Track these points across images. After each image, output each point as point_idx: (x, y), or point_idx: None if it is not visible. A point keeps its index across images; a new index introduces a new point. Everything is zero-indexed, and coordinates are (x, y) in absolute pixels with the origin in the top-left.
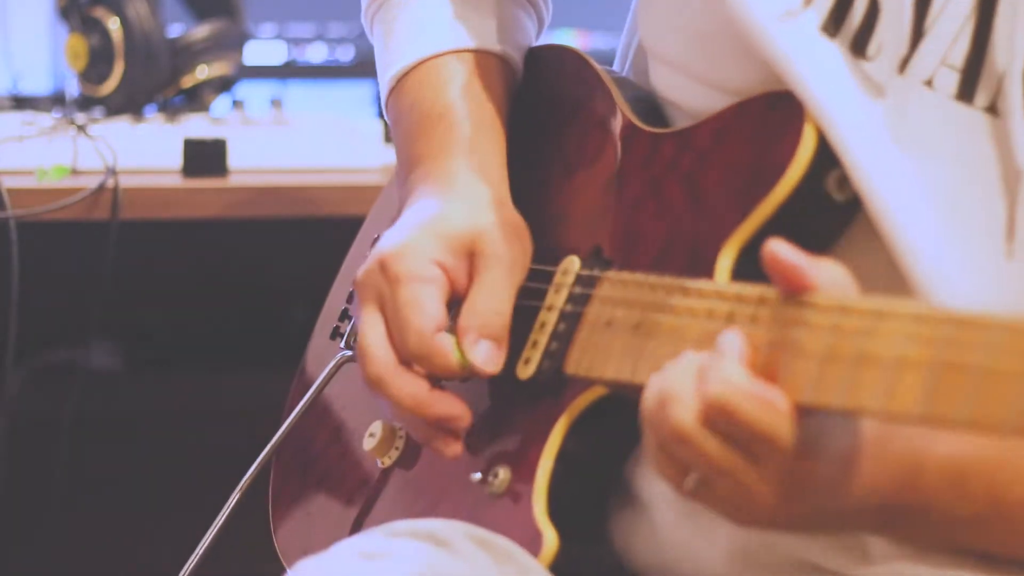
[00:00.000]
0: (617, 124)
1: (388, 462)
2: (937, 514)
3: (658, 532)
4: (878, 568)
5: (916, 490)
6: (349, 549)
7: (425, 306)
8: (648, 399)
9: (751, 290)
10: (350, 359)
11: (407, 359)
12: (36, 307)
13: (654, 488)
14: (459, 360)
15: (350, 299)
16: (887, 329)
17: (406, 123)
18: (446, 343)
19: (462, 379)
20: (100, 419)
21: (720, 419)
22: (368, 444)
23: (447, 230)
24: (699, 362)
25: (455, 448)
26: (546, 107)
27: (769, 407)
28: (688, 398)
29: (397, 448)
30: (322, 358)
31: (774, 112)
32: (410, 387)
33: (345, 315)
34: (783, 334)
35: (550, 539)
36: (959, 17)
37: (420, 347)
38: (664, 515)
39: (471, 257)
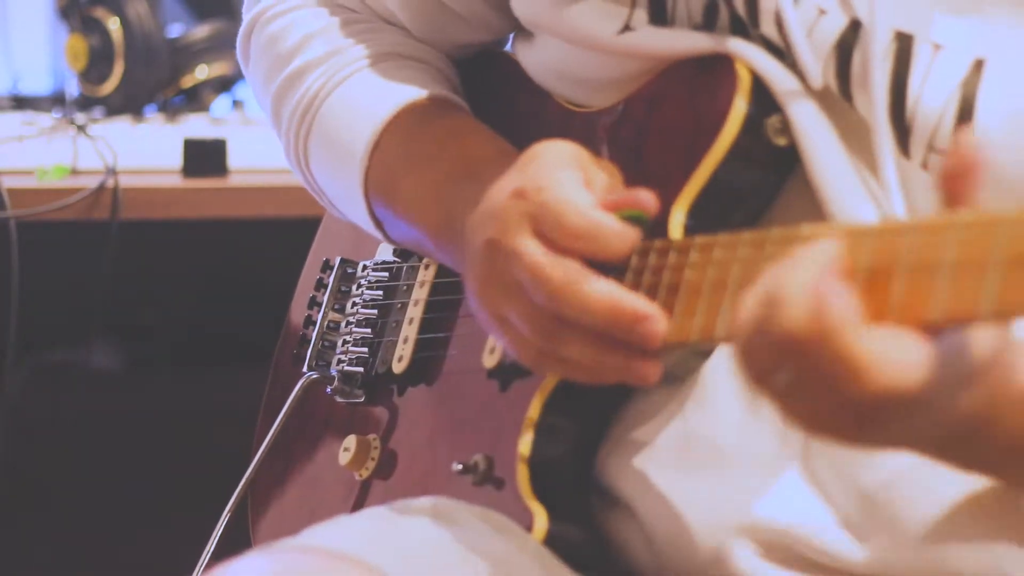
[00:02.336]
0: (550, 110)
1: (366, 473)
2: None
3: (648, 531)
4: (870, 556)
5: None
6: (358, 516)
7: (582, 194)
8: (756, 303)
9: (703, 239)
10: (315, 381)
11: (569, 244)
12: (36, 307)
13: (634, 486)
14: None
15: (307, 323)
16: (848, 248)
17: (406, 164)
18: (611, 218)
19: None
20: (100, 419)
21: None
22: (344, 459)
23: (555, 148)
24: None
25: (656, 367)
26: (479, 108)
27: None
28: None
29: (373, 459)
30: (287, 384)
31: (704, 72)
32: (603, 286)
33: (304, 340)
34: (745, 272)
35: (540, 519)
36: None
37: (587, 221)
38: (648, 512)
39: (584, 167)
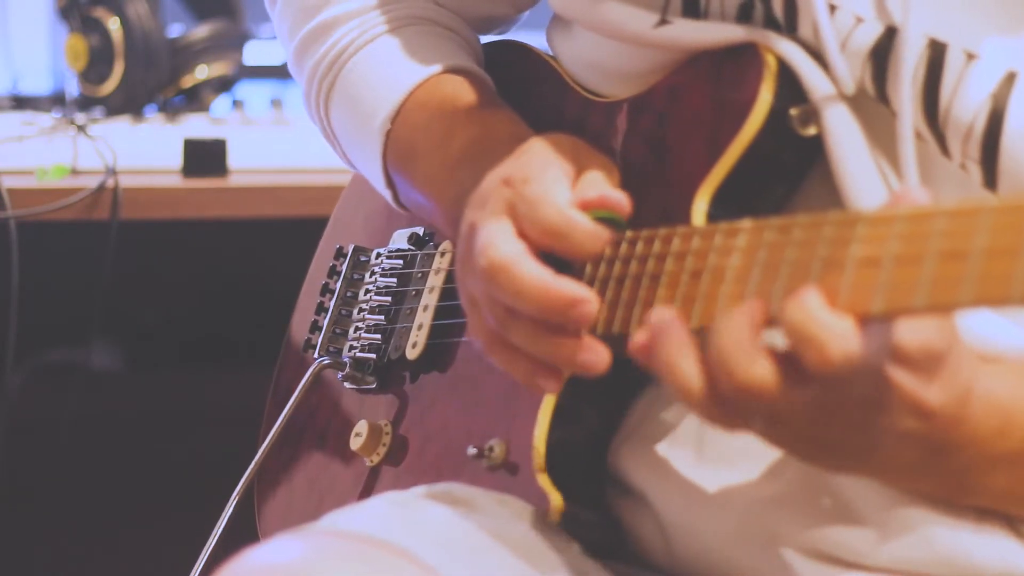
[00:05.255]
0: (570, 100)
1: (376, 459)
2: (977, 452)
3: (662, 521)
4: (883, 551)
5: (963, 421)
6: (379, 501)
7: (562, 191)
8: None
9: (727, 225)
10: (327, 367)
11: (543, 241)
12: (36, 307)
13: (649, 476)
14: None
15: (319, 310)
16: (875, 232)
17: (426, 138)
18: (584, 217)
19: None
20: (100, 419)
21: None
22: (355, 444)
23: (552, 141)
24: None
25: (601, 354)
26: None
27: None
28: (755, 353)
29: (384, 444)
30: (297, 371)
31: (730, 60)
32: (537, 271)
33: (315, 327)
34: (771, 256)
35: (555, 503)
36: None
37: (560, 218)
38: (663, 503)
39: (577, 163)
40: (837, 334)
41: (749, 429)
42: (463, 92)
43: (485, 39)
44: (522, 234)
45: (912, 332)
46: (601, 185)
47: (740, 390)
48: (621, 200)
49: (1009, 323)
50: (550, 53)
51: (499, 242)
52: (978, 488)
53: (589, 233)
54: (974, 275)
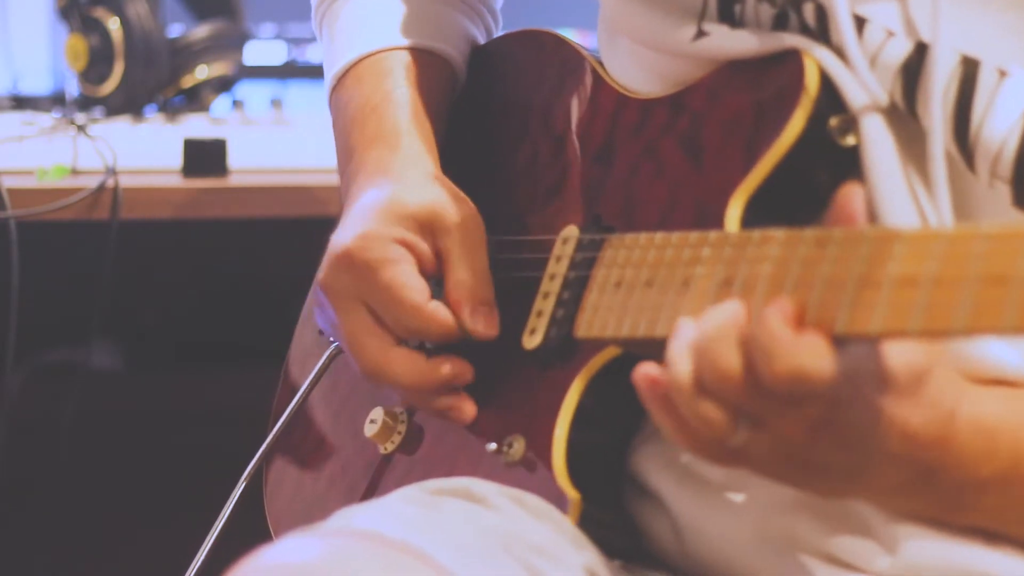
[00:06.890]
0: (604, 95)
1: (391, 447)
2: (964, 473)
3: (677, 523)
4: (897, 559)
5: (948, 442)
6: (396, 498)
7: (410, 282)
8: (683, 360)
9: (760, 234)
10: (342, 351)
11: (403, 336)
12: (36, 307)
13: (665, 478)
14: (457, 323)
15: None
16: (913, 252)
17: (343, 118)
18: (442, 310)
19: (457, 341)
20: (100, 419)
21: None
22: (369, 431)
23: (400, 210)
24: (734, 319)
25: (471, 409)
26: (529, 89)
27: (813, 351)
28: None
29: (399, 432)
30: (308, 355)
31: (771, 66)
32: (409, 362)
33: None
34: (806, 270)
35: (574, 502)
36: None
37: (418, 320)
38: (679, 506)
39: (431, 233)
40: (789, 351)
41: (737, 459)
42: (391, 77)
43: (517, 28)
44: (380, 323)
45: (899, 353)
46: (470, 273)
47: (716, 377)
48: (490, 331)
49: (1008, 345)
50: (583, 46)
51: (367, 342)
52: (968, 508)
53: (448, 331)
54: (1015, 300)
